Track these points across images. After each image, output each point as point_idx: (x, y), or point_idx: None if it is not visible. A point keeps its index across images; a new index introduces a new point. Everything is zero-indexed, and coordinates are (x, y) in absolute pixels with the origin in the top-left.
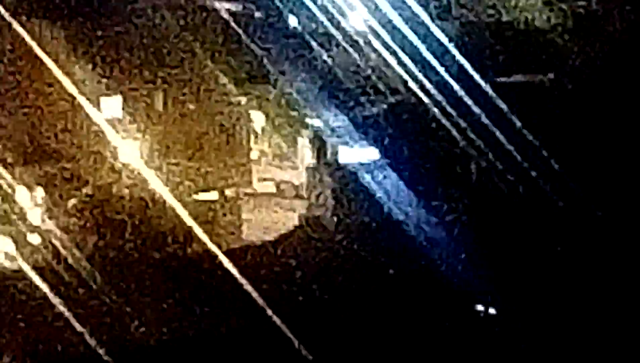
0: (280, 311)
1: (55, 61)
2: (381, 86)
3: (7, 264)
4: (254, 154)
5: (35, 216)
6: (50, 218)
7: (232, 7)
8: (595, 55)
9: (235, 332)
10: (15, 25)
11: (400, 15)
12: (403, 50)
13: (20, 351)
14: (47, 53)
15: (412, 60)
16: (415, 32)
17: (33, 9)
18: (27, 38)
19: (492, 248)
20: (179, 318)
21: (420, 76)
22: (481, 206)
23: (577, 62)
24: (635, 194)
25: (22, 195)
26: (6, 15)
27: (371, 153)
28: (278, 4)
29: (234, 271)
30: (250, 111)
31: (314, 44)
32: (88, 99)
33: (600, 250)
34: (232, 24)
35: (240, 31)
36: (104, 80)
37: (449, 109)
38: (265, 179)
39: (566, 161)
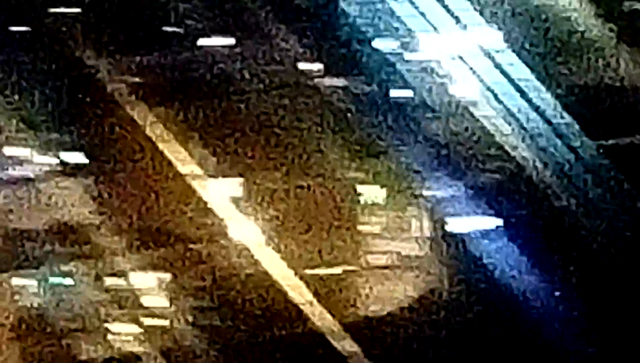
0: None
1: (173, 144)
2: (492, 154)
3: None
4: (368, 228)
5: (151, 300)
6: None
7: (340, 83)
8: None
9: None
10: (131, 111)
11: (509, 81)
12: (513, 117)
13: None
14: (163, 139)
15: (521, 128)
16: (525, 98)
17: (149, 95)
18: (141, 122)
19: (606, 328)
20: None
21: (530, 144)
22: (595, 278)
23: None
24: None
25: (138, 279)
26: (121, 101)
27: (487, 222)
28: (384, 76)
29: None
30: (365, 186)
31: (424, 114)
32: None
33: None
34: (342, 99)
35: (350, 106)
36: (223, 161)
37: (559, 175)
38: (381, 253)
39: None
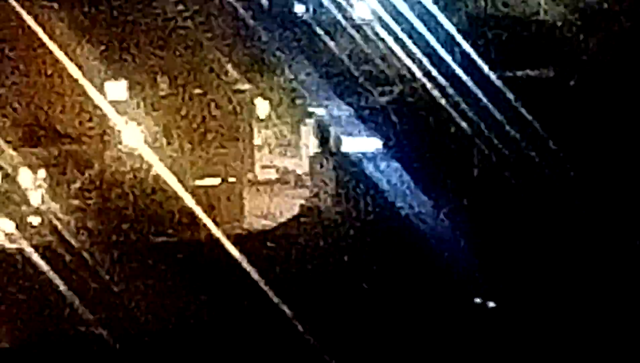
0: (280, 296)
1: (61, 46)
2: (387, 77)
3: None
4: (257, 141)
5: (37, 197)
6: (52, 200)
7: None
8: (598, 50)
9: (236, 317)
10: (22, 11)
11: (408, 5)
12: (410, 40)
13: (17, 330)
14: (53, 38)
15: (419, 51)
16: (423, 23)
17: None
18: (33, 23)
19: (491, 241)
20: (178, 303)
21: (426, 67)
22: (483, 199)
23: (582, 57)
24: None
25: (25, 177)
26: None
27: (374, 143)
28: None
29: (235, 255)
30: (254, 99)
31: (320, 32)
32: (93, 83)
33: (599, 245)
34: (240, 10)
35: (246, 18)
36: (110, 65)
37: (453, 100)
38: (268, 167)
39: (569, 153)
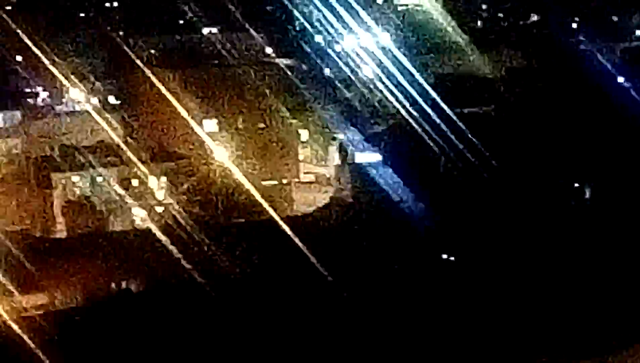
0: (315, 256)
1: (175, 96)
2: (382, 113)
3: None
4: (300, 157)
5: (160, 195)
6: (170, 196)
7: (288, 62)
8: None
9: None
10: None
11: (399, 69)
12: (396, 90)
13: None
14: (171, 92)
15: (403, 97)
16: (405, 79)
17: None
18: (159, 84)
19: (451, 219)
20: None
21: (407, 107)
22: (445, 189)
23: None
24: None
25: (152, 181)
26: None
27: (376, 156)
28: (317, 59)
29: (287, 231)
30: (299, 129)
31: (340, 86)
32: (195, 120)
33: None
34: (288, 72)
35: (292, 78)
36: (207, 108)
37: (425, 128)
38: (308, 173)
39: (499, 161)
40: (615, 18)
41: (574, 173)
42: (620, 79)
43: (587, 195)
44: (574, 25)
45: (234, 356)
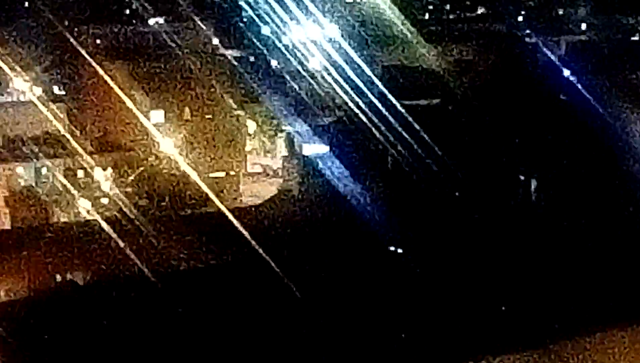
0: (263, 248)
1: (122, 88)
2: (330, 105)
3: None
4: (248, 148)
5: (105, 186)
6: (115, 187)
7: (236, 53)
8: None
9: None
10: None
11: (346, 62)
12: (347, 84)
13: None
14: (117, 83)
15: (350, 89)
16: (356, 73)
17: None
18: (104, 74)
19: (400, 209)
20: (190, 253)
21: (355, 99)
22: (395, 180)
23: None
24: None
25: (98, 173)
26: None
27: (323, 148)
28: (264, 51)
29: (234, 222)
30: (246, 121)
31: (288, 78)
32: (142, 112)
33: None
34: (235, 64)
35: (240, 69)
36: (153, 100)
37: (372, 119)
38: (255, 164)
39: (448, 153)
40: (560, 11)
41: (520, 166)
42: (566, 72)
43: (533, 188)
44: (520, 19)
45: (179, 349)
